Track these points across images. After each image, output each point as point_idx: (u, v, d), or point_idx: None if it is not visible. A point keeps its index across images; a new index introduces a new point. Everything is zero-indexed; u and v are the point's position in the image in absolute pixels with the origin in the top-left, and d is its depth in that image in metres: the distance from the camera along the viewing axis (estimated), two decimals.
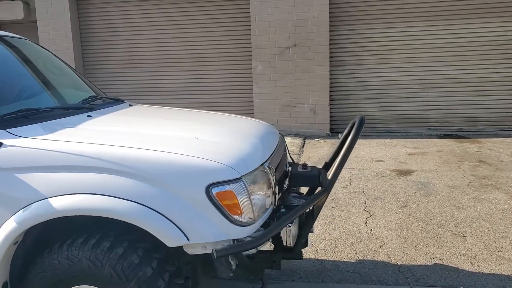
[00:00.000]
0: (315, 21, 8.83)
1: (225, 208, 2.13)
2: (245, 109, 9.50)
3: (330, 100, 9.20)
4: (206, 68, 9.51)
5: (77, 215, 2.08)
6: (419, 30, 8.92)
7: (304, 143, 8.64)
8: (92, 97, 3.21)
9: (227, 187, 2.14)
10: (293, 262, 3.83)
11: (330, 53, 9.00)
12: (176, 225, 2.08)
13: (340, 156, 2.67)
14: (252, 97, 9.28)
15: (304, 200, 2.66)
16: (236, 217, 2.16)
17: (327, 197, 2.65)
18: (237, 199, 2.15)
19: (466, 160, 6.92)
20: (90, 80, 9.78)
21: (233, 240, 2.18)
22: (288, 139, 8.72)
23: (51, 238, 2.30)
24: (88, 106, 2.93)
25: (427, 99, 9.15)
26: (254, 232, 2.27)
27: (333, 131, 9.32)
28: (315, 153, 7.73)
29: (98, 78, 9.86)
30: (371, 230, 4.43)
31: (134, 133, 2.45)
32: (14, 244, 2.17)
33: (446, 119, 9.17)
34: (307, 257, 3.93)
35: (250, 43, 9.13)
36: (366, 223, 4.60)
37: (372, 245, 4.10)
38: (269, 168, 2.48)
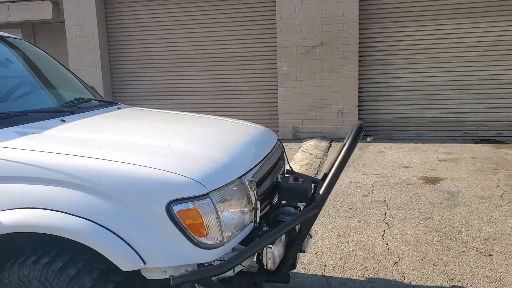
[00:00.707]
0: (344, 19, 8.46)
1: (187, 229, 1.88)
2: (270, 110, 9.23)
3: (359, 102, 8.81)
4: (230, 68, 9.30)
5: (21, 231, 1.88)
6: (455, 27, 8.39)
7: (330, 147, 8.30)
8: (79, 99, 3.04)
9: (190, 205, 1.89)
10: (296, 278, 3.55)
11: (359, 52, 8.60)
12: (131, 246, 1.84)
13: (333, 169, 2.37)
14: (277, 97, 9.00)
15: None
16: (200, 238, 1.90)
17: (317, 214, 2.36)
18: (201, 218, 1.90)
19: (502, 168, 6.41)
20: (115, 80, 9.78)
21: (198, 265, 1.94)
22: (313, 142, 8.39)
23: (12, 253, 2.11)
24: (68, 109, 2.75)
25: (463, 101, 8.61)
26: (227, 254, 2.01)
27: (362, 134, 8.91)
28: None
29: (123, 78, 9.83)
30: (387, 244, 4.08)
31: (100, 140, 2.24)
32: None
33: (484, 122, 8.60)
34: (313, 273, 3.64)
35: (276, 42, 8.85)
36: (383, 236, 4.25)
37: (386, 261, 3.76)
38: (251, 181, 2.22)
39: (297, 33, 8.65)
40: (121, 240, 1.84)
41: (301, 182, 2.52)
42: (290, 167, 3.09)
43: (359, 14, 8.47)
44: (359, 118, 8.84)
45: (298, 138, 8.98)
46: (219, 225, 1.95)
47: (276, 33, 8.80)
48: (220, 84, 9.39)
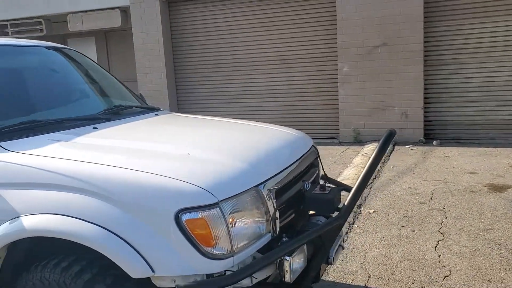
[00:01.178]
0: (407, 17, 8.11)
1: (195, 238, 1.86)
2: (330, 112, 9.06)
3: (424, 103, 8.40)
4: (290, 70, 9.23)
5: (41, 236, 1.96)
6: None
7: (393, 150, 7.99)
8: (119, 106, 3.13)
9: (199, 214, 1.87)
10: None
11: (424, 51, 8.21)
12: (140, 254, 1.86)
13: (360, 178, 2.26)
14: (337, 99, 8.81)
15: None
16: (208, 249, 1.88)
17: (340, 225, 2.26)
18: (209, 228, 1.87)
19: None
20: (180, 84, 10.05)
21: (208, 275, 1.92)
22: (374, 145, 8.12)
23: (39, 256, 2.21)
24: (105, 117, 2.84)
25: None
26: (239, 264, 1.98)
27: (428, 137, 8.50)
28: (402, 162, 7.08)
29: (187, 82, 10.07)
30: (439, 256, 3.85)
31: (121, 147, 2.29)
32: None
33: None
34: (355, 284, 3.51)
35: (336, 43, 8.67)
36: (435, 247, 4.01)
37: (436, 274, 3.54)
38: (270, 190, 2.17)
39: (358, 33, 8.42)
40: (131, 248, 1.86)
41: (327, 192, 2.42)
42: (325, 174, 3.00)
43: (424, 12, 8.08)
44: (424, 121, 8.45)
45: (359, 141, 8.74)
46: (229, 236, 1.91)
47: (336, 33, 8.63)
48: (281, 86, 9.36)
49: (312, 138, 3.18)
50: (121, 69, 11.24)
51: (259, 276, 2.07)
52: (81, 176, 1.99)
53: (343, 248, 2.72)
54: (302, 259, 2.23)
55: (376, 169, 6.68)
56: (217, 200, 1.90)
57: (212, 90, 9.89)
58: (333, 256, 2.46)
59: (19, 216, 2.01)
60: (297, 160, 2.56)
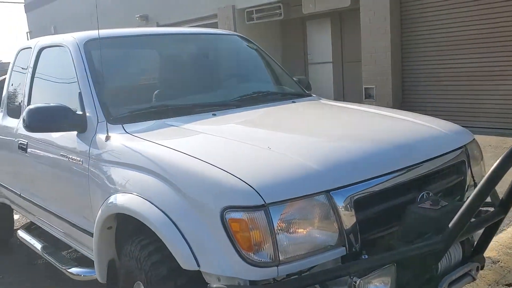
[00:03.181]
0: None
1: (236, 240, 1.74)
2: None
3: None
4: None
5: (124, 213, 2.13)
6: None
7: None
8: (258, 93, 3.13)
9: (242, 215, 1.74)
10: None
11: None
12: (189, 246, 1.84)
13: (470, 198, 1.74)
14: None
15: None
16: (248, 253, 1.73)
17: (441, 251, 1.81)
18: (249, 231, 1.72)
19: None
20: (406, 64, 9.43)
21: (251, 282, 1.77)
22: None
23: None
24: (235, 103, 2.89)
25: None
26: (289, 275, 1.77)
27: None
28: None
29: (414, 61, 9.35)
30: None
31: (215, 137, 2.34)
32: (108, 228, 2.39)
33: None
34: None
35: None
36: None
37: None
38: (351, 198, 1.86)
39: None
40: (183, 239, 1.86)
41: (438, 208, 1.93)
42: (474, 182, 2.40)
43: None
44: None
45: None
46: (273, 243, 1.72)
47: None
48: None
49: None
50: (351, 50, 11.17)
51: None
52: (157, 160, 2.10)
53: (473, 279, 2.16)
54: (386, 284, 1.85)
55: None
56: (263, 202, 1.73)
57: (441, 71, 8.94)
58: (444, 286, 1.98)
59: (117, 193, 2.23)
60: (411, 166, 2.11)
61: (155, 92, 2.91)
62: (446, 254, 2.07)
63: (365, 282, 1.79)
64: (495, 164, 1.71)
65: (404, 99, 9.56)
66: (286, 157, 1.97)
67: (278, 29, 13.08)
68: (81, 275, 2.85)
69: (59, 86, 3.11)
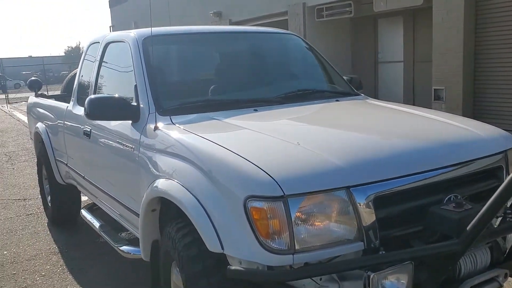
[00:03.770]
0: None
1: (256, 227, 1.86)
2: None
3: None
4: None
5: (163, 197, 2.33)
6: None
7: None
8: (303, 90, 3.22)
9: (262, 204, 1.86)
10: None
11: None
12: (216, 230, 1.99)
13: (489, 202, 1.74)
14: None
15: None
16: (266, 241, 1.84)
17: (458, 253, 1.82)
18: (268, 220, 1.84)
19: None
20: (480, 67, 9.03)
21: (268, 267, 1.89)
22: None
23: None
24: (279, 100, 3.00)
25: None
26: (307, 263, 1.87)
27: None
28: None
29: (489, 64, 8.93)
30: None
31: (250, 131, 2.45)
32: (152, 211, 2.60)
33: None
34: None
35: None
36: None
37: None
38: (373, 195, 1.92)
39: None
40: (211, 223, 2.01)
41: (460, 210, 1.93)
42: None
43: None
44: None
45: None
46: (290, 232, 1.83)
47: None
48: None
49: None
50: (423, 49, 10.85)
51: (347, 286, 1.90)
52: (195, 150, 2.28)
53: (500, 285, 2.13)
54: (402, 281, 1.90)
55: None
56: (282, 194, 1.84)
57: None
58: None
59: (160, 178, 2.43)
60: (437, 168, 2.11)
61: (203, 87, 3.09)
62: (471, 258, 2.08)
63: (380, 277, 1.84)
64: None
65: (475, 102, 9.16)
66: (311, 152, 2.07)
67: (348, 27, 12.95)
68: (130, 253, 3.09)
69: (120, 78, 3.38)
